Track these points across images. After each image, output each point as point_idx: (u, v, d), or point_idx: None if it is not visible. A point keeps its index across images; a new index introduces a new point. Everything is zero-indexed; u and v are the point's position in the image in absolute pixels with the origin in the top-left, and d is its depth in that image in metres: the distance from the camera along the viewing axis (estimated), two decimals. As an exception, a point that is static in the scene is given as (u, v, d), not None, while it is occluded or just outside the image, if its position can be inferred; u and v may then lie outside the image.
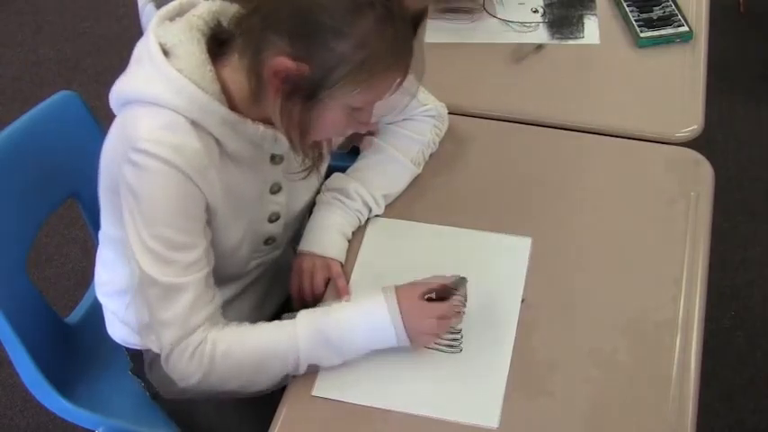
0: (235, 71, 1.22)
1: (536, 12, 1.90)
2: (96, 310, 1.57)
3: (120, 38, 3.26)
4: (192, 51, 1.20)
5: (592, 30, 1.86)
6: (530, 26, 1.87)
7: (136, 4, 1.76)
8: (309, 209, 1.48)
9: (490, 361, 1.30)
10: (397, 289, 1.28)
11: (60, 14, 3.43)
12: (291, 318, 1.27)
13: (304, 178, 1.32)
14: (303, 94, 1.17)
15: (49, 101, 1.57)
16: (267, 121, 1.25)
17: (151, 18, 1.25)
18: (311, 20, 1.13)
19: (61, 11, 3.45)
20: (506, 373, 1.28)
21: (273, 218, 1.40)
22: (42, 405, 1.52)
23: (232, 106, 1.22)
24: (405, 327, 1.25)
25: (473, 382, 1.27)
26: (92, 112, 1.62)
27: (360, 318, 1.27)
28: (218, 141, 1.23)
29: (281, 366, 1.25)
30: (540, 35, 1.86)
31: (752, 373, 2.24)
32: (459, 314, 1.30)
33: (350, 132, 1.29)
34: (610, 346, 1.31)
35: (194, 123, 1.19)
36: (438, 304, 1.28)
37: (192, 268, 1.21)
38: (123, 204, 1.21)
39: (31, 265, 1.55)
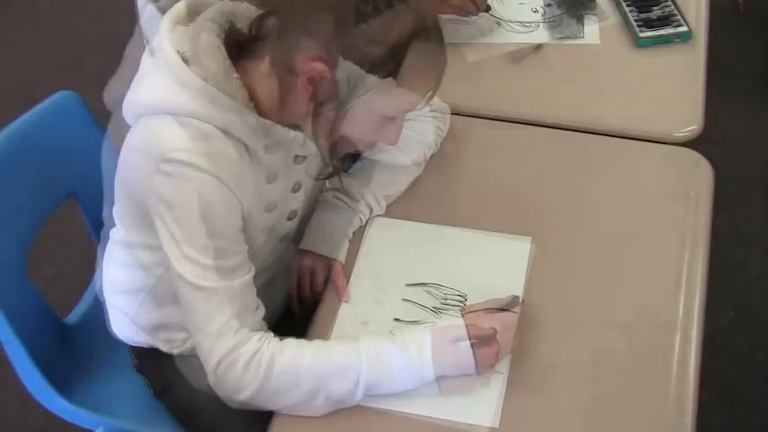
0: (262, 76, 1.20)
1: (536, 12, 1.90)
2: (96, 310, 1.57)
3: (120, 38, 3.24)
4: (217, 60, 1.17)
5: (592, 30, 1.86)
6: (530, 26, 1.87)
7: (136, 5, 1.76)
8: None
9: (490, 361, 1.30)
10: (465, 316, 1.26)
11: (60, 14, 3.43)
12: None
13: (326, 179, 1.31)
14: (335, 101, 1.17)
15: (48, 101, 1.57)
16: (294, 126, 1.24)
17: (152, 19, 1.25)
18: (348, 26, 1.13)
19: (61, 11, 3.45)
20: (506, 373, 1.28)
21: (292, 216, 1.40)
22: (42, 405, 1.52)
23: (260, 112, 1.21)
24: (476, 360, 1.24)
25: (473, 382, 1.27)
26: (92, 113, 1.62)
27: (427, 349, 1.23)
28: (247, 148, 1.22)
29: (339, 386, 1.21)
30: (540, 35, 1.86)
31: (751, 373, 2.24)
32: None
33: (375, 145, 1.29)
34: (610, 346, 1.31)
35: (225, 132, 1.18)
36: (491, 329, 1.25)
37: (236, 273, 1.20)
38: (155, 217, 1.19)
39: (31, 265, 1.55)
